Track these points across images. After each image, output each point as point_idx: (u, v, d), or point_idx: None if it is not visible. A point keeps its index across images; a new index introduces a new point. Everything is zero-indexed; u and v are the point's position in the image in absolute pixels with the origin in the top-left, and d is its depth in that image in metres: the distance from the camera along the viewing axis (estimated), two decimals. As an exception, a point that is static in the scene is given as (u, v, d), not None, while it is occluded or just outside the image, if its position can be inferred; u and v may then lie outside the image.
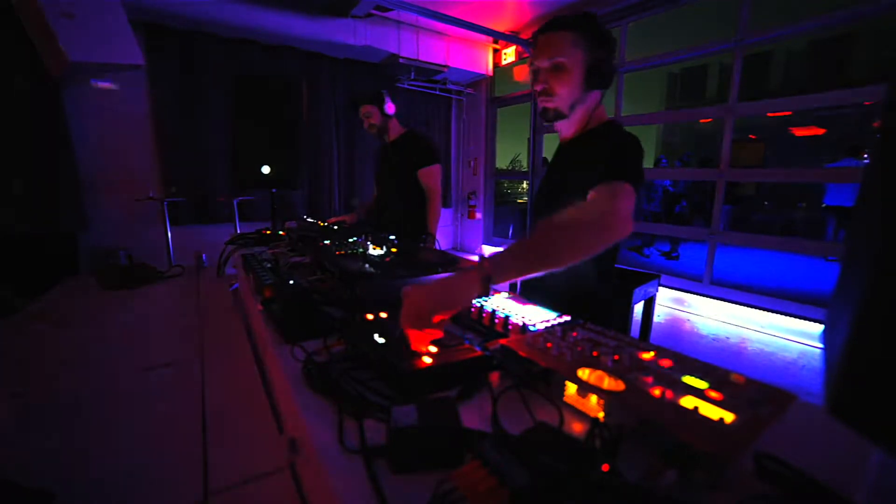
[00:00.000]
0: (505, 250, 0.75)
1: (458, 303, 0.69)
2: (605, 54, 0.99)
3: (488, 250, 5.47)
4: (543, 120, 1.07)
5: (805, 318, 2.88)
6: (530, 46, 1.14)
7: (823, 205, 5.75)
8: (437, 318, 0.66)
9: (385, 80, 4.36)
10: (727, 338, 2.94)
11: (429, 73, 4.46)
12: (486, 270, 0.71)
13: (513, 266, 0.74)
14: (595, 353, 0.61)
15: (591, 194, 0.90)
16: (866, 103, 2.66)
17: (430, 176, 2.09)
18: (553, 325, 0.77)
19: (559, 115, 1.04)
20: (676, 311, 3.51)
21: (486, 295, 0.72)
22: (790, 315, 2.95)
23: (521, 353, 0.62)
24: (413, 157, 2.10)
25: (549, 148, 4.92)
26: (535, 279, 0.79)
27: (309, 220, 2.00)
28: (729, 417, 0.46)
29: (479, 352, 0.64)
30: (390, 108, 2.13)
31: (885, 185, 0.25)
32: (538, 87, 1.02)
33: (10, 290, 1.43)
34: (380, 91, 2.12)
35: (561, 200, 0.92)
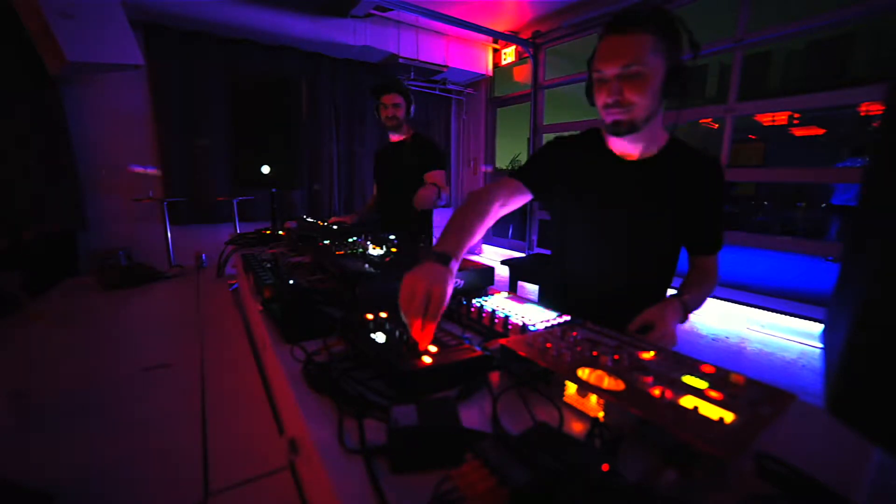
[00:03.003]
0: (689, 288, 1.02)
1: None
2: (687, 59, 0.90)
3: (488, 250, 5.47)
4: (613, 134, 0.95)
5: (805, 318, 2.88)
6: (600, 42, 0.94)
7: (828, 204, 5.75)
8: None
9: (387, 80, 4.36)
10: (727, 338, 2.94)
11: (428, 73, 4.46)
12: (683, 301, 0.96)
13: (697, 299, 1.00)
14: (595, 353, 0.61)
15: (707, 260, 1.06)
16: (865, 104, 2.66)
17: (439, 178, 2.10)
18: (553, 325, 0.77)
19: (633, 129, 0.92)
20: (686, 320, 3.50)
21: (684, 321, 0.96)
22: (790, 315, 2.95)
23: (521, 353, 0.62)
24: (422, 160, 2.09)
25: (549, 148, 4.91)
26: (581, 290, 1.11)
27: (309, 220, 1.99)
28: (729, 417, 0.46)
29: (479, 352, 0.64)
30: (413, 108, 2.15)
31: (885, 184, 0.25)
32: (609, 99, 0.90)
33: (19, 287, 1.43)
34: (408, 88, 2.13)
35: (648, 227, 1.03)
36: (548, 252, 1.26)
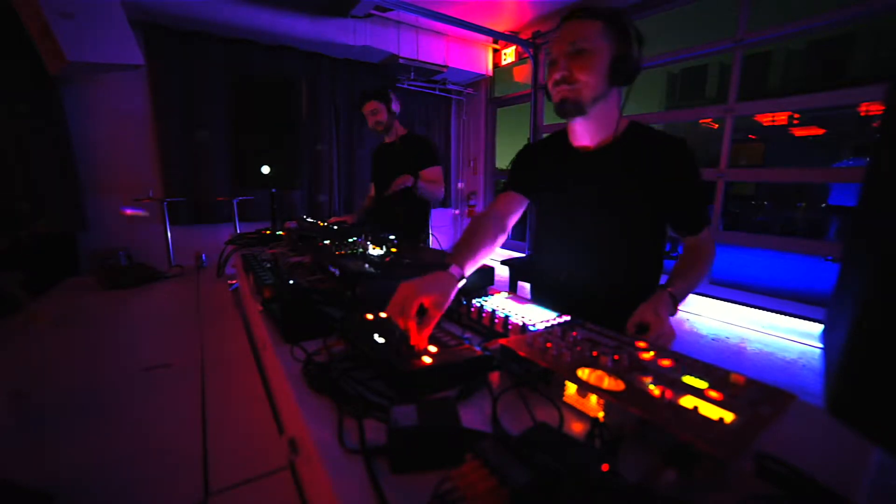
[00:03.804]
0: (676, 277, 0.95)
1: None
2: (633, 50, 0.93)
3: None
4: (560, 114, 0.98)
5: (805, 318, 2.88)
6: (556, 32, 1.00)
7: (826, 204, 5.75)
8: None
9: (387, 80, 4.36)
10: (727, 338, 2.94)
11: (428, 73, 4.46)
12: (670, 293, 0.90)
13: (685, 288, 0.94)
14: (595, 353, 0.61)
15: (695, 239, 1.02)
16: (865, 104, 2.67)
17: (435, 175, 2.11)
18: (553, 325, 0.77)
19: (579, 109, 0.95)
20: (676, 311, 3.50)
21: (673, 314, 0.90)
22: (790, 315, 2.95)
23: (520, 353, 0.62)
24: (417, 158, 2.11)
25: (549, 148, 4.91)
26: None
27: (309, 220, 2.00)
28: (729, 417, 0.46)
29: (479, 352, 0.64)
30: (396, 106, 2.16)
31: (885, 184, 0.25)
32: (556, 75, 0.94)
33: (19, 287, 1.43)
34: (386, 88, 2.13)
35: (612, 209, 1.03)
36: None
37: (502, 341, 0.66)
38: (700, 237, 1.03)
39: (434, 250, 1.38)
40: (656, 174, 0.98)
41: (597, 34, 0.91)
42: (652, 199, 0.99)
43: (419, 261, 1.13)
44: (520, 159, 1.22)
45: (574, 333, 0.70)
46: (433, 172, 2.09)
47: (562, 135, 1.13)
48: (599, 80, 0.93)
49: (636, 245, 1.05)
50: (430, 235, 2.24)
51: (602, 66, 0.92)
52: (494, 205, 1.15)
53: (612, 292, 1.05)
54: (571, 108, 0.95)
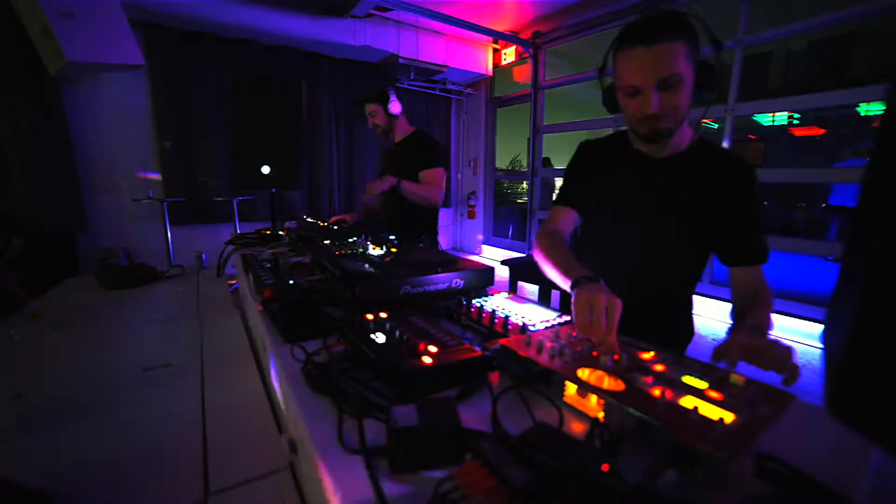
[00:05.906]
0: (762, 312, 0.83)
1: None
2: (712, 59, 0.88)
3: (488, 251, 5.47)
4: (652, 141, 0.95)
5: (805, 318, 2.88)
6: (617, 54, 0.88)
7: (827, 204, 5.74)
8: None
9: (388, 80, 4.36)
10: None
11: (428, 73, 4.46)
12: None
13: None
14: (595, 353, 0.61)
15: (752, 273, 0.93)
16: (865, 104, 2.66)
17: (431, 177, 2.07)
18: (553, 325, 0.77)
19: (671, 134, 0.92)
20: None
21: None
22: (790, 315, 2.95)
23: (520, 353, 0.62)
24: (417, 158, 2.08)
25: (549, 148, 4.91)
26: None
27: (309, 220, 1.99)
28: (729, 417, 0.46)
29: (479, 352, 0.64)
30: (395, 108, 2.10)
31: (885, 185, 0.25)
32: (649, 111, 0.86)
33: (19, 287, 1.43)
34: (385, 90, 2.11)
35: (675, 223, 0.98)
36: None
37: (502, 341, 0.66)
38: (754, 272, 0.94)
39: (434, 251, 1.38)
40: (720, 189, 0.94)
41: (683, 58, 0.82)
42: (711, 214, 0.95)
43: (420, 261, 1.13)
44: (576, 169, 1.14)
45: (574, 333, 0.70)
46: (430, 174, 2.05)
47: (622, 140, 1.07)
48: (688, 102, 0.89)
49: (689, 256, 1.03)
50: (437, 236, 2.23)
51: (689, 89, 0.87)
52: (555, 223, 1.09)
53: (657, 302, 1.03)
54: (665, 136, 0.92)
